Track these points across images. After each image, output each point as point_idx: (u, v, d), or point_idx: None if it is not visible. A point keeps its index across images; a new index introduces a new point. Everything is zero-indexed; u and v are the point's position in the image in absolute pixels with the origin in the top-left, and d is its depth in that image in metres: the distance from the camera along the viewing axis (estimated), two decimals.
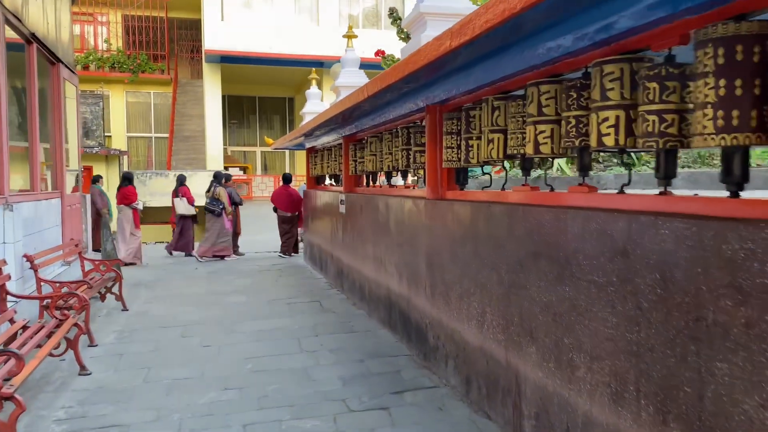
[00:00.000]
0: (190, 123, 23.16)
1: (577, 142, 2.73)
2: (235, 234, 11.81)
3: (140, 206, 10.88)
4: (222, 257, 11.06)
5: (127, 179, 10.97)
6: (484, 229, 3.56)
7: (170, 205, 16.04)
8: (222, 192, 10.97)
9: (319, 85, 10.61)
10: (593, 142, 2.55)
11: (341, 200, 7.53)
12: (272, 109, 27.28)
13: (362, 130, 6.56)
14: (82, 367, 4.66)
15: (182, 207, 11.45)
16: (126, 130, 24.21)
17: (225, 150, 25.79)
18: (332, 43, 19.25)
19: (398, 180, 6.67)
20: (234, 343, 5.45)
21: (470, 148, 3.83)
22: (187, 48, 26.12)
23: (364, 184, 7.15)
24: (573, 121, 2.74)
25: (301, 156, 26.51)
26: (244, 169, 24.52)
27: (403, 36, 9.22)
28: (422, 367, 4.62)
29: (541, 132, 2.97)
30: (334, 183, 9.15)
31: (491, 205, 3.49)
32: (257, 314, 6.57)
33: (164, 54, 24.45)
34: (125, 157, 17.66)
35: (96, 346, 5.44)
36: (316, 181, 10.28)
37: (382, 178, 6.74)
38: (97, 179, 11.60)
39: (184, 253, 11.77)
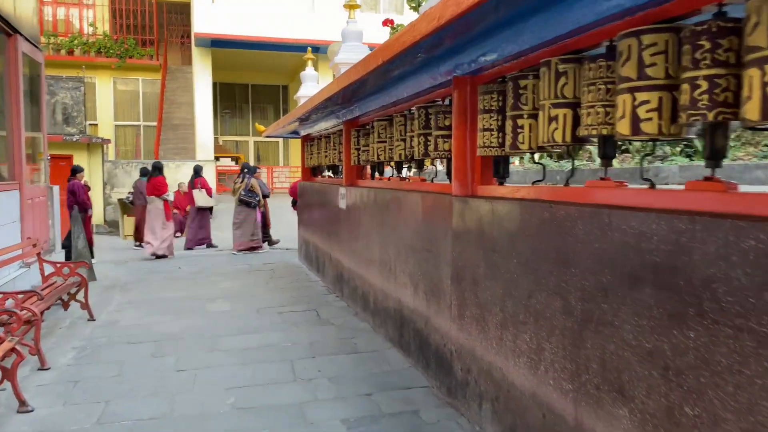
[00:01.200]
0: (180, 111, 22.11)
1: (711, 115, 1.82)
2: (265, 225, 11.56)
3: (171, 197, 10.46)
4: (255, 249, 10.65)
5: (157, 169, 10.39)
6: (542, 237, 2.65)
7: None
8: (256, 184, 10.65)
9: (316, 68, 9.61)
10: (752, 113, 1.64)
11: (341, 194, 6.60)
12: (265, 97, 26.23)
13: (367, 112, 5.63)
14: (22, 403, 3.73)
15: (201, 199, 11.14)
16: (113, 118, 23.15)
17: (216, 140, 24.78)
18: (328, 27, 18.22)
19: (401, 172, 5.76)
20: (214, 366, 4.53)
21: (519, 130, 2.91)
22: (177, 33, 24.99)
23: (369, 176, 6.22)
24: (704, 85, 1.83)
25: (295, 145, 25.52)
26: (236, 160, 23.51)
27: (414, 4, 8.26)
28: (446, 404, 3.71)
29: (644, 103, 2.05)
30: (332, 175, 8.22)
31: (554, 205, 2.58)
32: (244, 326, 5.65)
33: (153, 39, 23.37)
34: (108, 145, 16.62)
35: (48, 369, 4.51)
36: (311, 173, 9.34)
37: (381, 171, 5.82)
38: (145, 171, 11.30)
39: (205, 246, 11.41)
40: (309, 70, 9.29)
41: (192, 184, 11.53)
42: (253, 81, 25.59)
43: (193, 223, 11.48)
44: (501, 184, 3.36)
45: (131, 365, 4.58)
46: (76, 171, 10.10)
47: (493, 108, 3.19)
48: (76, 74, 18.21)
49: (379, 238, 5.19)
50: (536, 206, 2.73)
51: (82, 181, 9.99)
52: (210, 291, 7.37)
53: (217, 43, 19.16)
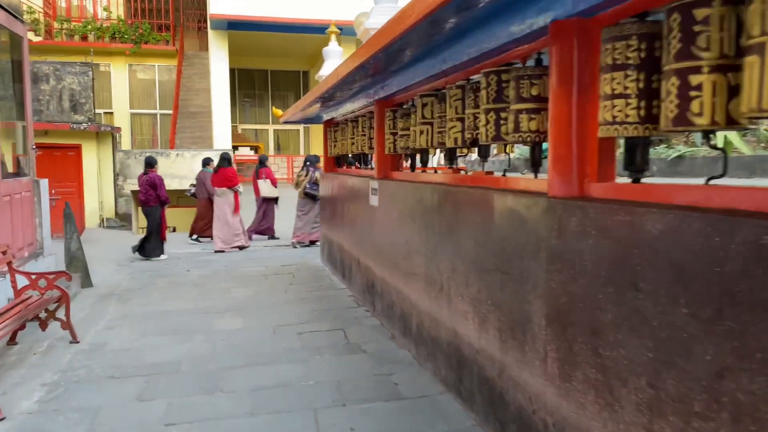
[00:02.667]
0: (197, 98, 21.18)
1: None
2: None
3: (241, 189, 10.28)
4: (314, 242, 10.21)
5: (225, 160, 10.13)
6: (741, 277, 1.49)
7: (181, 188, 15.14)
8: (319, 176, 10.10)
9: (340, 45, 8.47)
10: None
11: (372, 189, 5.47)
12: (285, 83, 25.12)
13: (407, 87, 4.47)
14: None
15: (266, 189, 11.03)
16: (129, 106, 22.33)
17: (235, 128, 23.82)
18: (354, 7, 17.00)
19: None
20: (215, 419, 3.45)
21: (693, 92, 1.73)
22: (194, 17, 24.01)
23: (409, 167, 5.06)
24: None
25: (317, 133, 24.42)
26: (255, 149, 22.52)
27: None
28: None
29: None
30: (359, 165, 7.07)
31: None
32: (256, 353, 4.57)
33: (169, 24, 22.42)
34: (119, 134, 15.69)
35: (3, 419, 3.49)
36: (335, 163, 8.21)
37: (425, 160, 4.66)
38: (207, 161, 11.23)
39: (267, 237, 11.27)
40: (332, 45, 8.14)
41: (257, 174, 11.18)
42: (273, 67, 24.49)
43: (258, 213, 11.33)
44: (636, 180, 2.18)
45: (108, 415, 3.53)
46: (151, 163, 9.34)
47: (629, 62, 2.02)
48: (84, 59, 17.37)
49: (424, 247, 4.05)
50: (724, 223, 1.57)
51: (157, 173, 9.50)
52: (220, 301, 6.32)
53: (234, 25, 18.08)
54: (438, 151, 4.35)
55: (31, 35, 21.22)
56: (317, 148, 24.17)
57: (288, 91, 25.24)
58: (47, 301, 4.82)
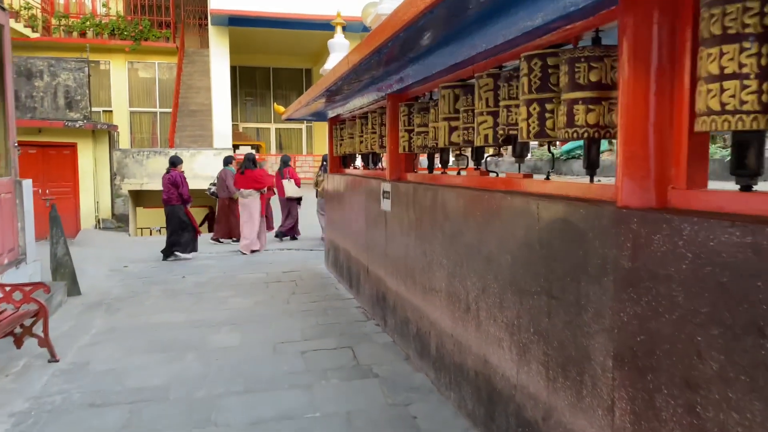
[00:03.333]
0: (198, 96, 20.71)
1: None
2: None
3: (266, 190, 10.24)
4: None
5: (251, 161, 9.97)
6: None
7: None
8: (320, 177, 10.36)
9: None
10: None
11: (383, 192, 4.97)
12: (288, 82, 24.60)
13: (426, 78, 3.98)
14: None
15: (291, 189, 10.96)
16: (128, 104, 21.87)
17: (236, 127, 23.35)
18: (355, 2, 16.50)
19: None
20: None
21: None
22: (195, 13, 23.53)
23: (427, 168, 4.55)
24: None
25: (320, 131, 23.90)
26: (257, 148, 22.02)
27: None
28: None
29: None
30: (368, 165, 6.57)
31: None
32: (254, 377, 4.07)
33: (170, 20, 21.96)
34: (116, 131, 15.19)
35: None
36: (341, 163, 7.71)
37: (445, 160, 4.15)
38: (229, 160, 11.24)
39: (289, 237, 11.29)
40: (338, 38, 7.66)
41: (281, 174, 11.07)
42: (275, 64, 23.98)
43: (283, 213, 11.22)
44: (747, 188, 1.67)
45: None
46: (175, 162, 9.34)
47: (747, 30, 1.52)
48: (79, 55, 16.90)
49: (447, 260, 3.55)
50: None
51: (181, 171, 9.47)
52: (216, 313, 5.83)
53: (235, 21, 17.59)
54: (452, 150, 3.83)
55: (28, 31, 20.81)
56: (320, 148, 23.64)
57: (290, 89, 24.72)
58: (23, 315, 4.33)
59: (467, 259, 3.24)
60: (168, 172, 9.20)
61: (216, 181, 11.42)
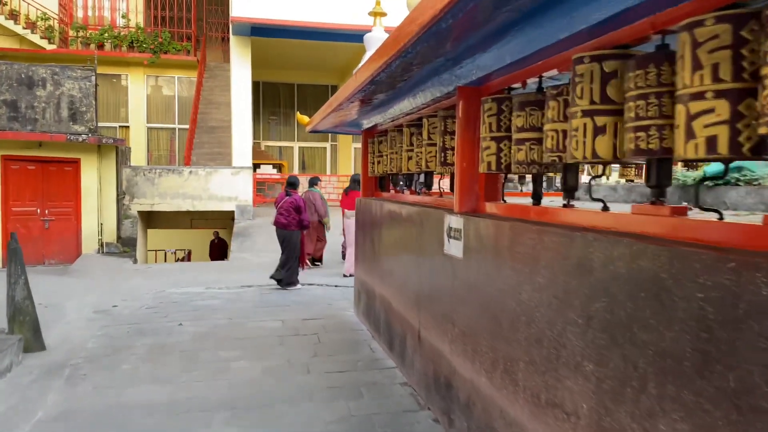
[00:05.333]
0: (218, 112, 19.57)
1: None
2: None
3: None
4: None
5: (357, 182, 9.29)
6: None
7: (194, 209, 14.72)
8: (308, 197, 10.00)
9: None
10: None
11: (450, 230, 3.40)
12: (313, 99, 23.30)
13: (534, 56, 2.44)
14: None
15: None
16: (146, 120, 20.84)
17: (258, 144, 22.12)
18: (388, 10, 15.14)
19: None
20: None
21: None
22: (219, 26, 22.56)
23: (532, 195, 2.94)
24: None
25: (345, 149, 22.50)
26: (279, 167, 20.73)
27: None
28: None
29: None
30: (419, 190, 4.98)
31: None
32: None
33: (191, 32, 20.96)
34: (122, 146, 13.90)
35: None
36: (377, 185, 6.19)
37: (571, 184, 2.57)
38: (315, 181, 10.77)
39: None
40: (376, 31, 6.17)
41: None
42: (299, 80, 22.75)
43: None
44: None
45: None
46: (294, 184, 8.73)
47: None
48: (113, 72, 15.80)
49: (591, 362, 1.96)
50: None
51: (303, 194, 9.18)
52: (211, 387, 4.28)
53: (258, 31, 16.35)
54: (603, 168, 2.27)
55: (44, 43, 19.94)
56: (345, 167, 22.22)
57: (315, 106, 23.26)
58: None
59: (646, 365, 1.65)
60: (288, 194, 8.48)
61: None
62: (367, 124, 5.95)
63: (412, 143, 4.44)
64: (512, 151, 2.70)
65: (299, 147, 23.28)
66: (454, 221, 3.32)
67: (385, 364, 4.82)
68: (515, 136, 2.67)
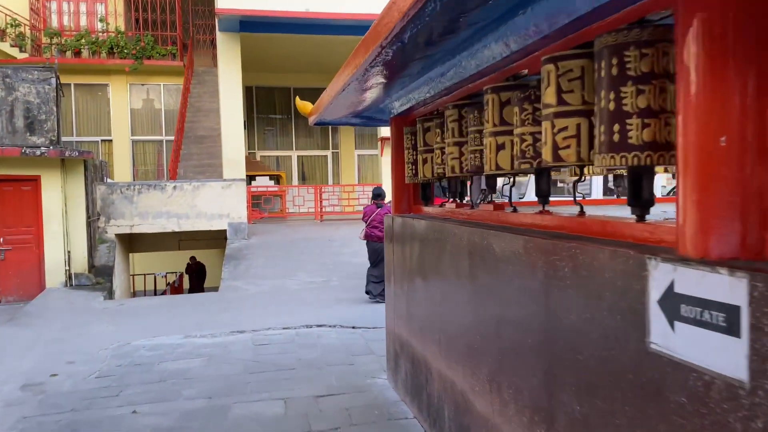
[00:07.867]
0: (207, 120, 17.65)
1: None
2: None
3: None
4: None
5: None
6: None
7: (180, 230, 12.83)
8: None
9: None
10: None
11: (681, 301, 1.45)
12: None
13: None
14: None
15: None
16: (130, 132, 18.98)
17: (252, 155, 20.21)
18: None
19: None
20: None
21: None
22: (205, 29, 20.67)
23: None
24: None
25: (349, 158, 20.53)
26: (277, 178, 18.81)
27: None
28: None
29: None
30: (485, 200, 3.03)
31: None
32: None
33: (176, 35, 19.07)
34: (95, 160, 11.97)
35: None
36: (421, 195, 4.23)
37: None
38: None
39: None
40: None
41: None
42: (296, 84, 20.76)
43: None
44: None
45: None
46: (381, 195, 8.46)
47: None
48: (93, 81, 13.90)
49: None
50: None
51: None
52: None
53: (247, 26, 14.48)
54: None
55: (15, 51, 18.09)
56: (348, 177, 20.28)
57: None
58: None
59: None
60: (379, 206, 8.28)
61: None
62: (400, 105, 3.99)
63: (477, 129, 2.48)
64: None
65: (297, 156, 21.36)
66: (691, 279, 1.35)
67: None
68: None
